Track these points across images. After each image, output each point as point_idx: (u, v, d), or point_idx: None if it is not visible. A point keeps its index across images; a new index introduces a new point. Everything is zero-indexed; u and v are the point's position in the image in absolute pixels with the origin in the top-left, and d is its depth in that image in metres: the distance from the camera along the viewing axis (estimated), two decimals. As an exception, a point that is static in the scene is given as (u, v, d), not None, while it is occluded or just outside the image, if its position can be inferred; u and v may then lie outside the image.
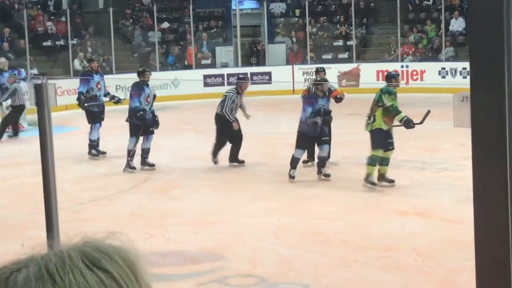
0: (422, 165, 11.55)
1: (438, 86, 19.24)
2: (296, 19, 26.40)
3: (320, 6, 26.67)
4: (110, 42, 23.00)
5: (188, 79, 22.03)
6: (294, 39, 25.42)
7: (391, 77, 10.65)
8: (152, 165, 11.92)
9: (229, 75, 23.53)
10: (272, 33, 26.06)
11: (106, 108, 13.74)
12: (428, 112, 10.11)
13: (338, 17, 26.02)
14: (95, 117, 13.19)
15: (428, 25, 24.51)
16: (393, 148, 10.06)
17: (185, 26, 25.30)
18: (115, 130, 14.43)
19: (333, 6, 26.69)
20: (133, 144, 11.84)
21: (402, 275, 6.73)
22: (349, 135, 13.50)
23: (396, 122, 10.05)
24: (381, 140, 9.91)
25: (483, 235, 1.30)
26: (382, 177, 10.08)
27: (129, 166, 11.83)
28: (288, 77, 22.81)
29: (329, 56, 24.64)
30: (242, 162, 11.96)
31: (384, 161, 10.04)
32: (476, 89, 1.26)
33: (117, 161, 12.22)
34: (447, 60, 22.73)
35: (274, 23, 26.46)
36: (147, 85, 12.13)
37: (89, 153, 13.10)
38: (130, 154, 11.84)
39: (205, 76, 23.10)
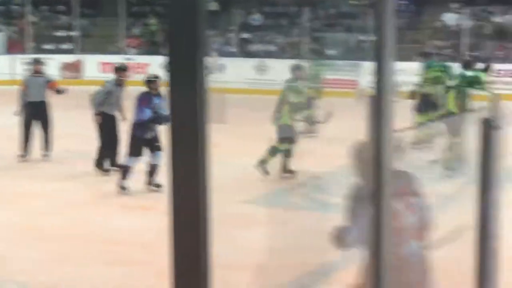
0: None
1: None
2: (17, 7, 25.38)
3: (42, -5, 25.94)
4: None
5: None
6: (14, 28, 24.43)
7: (295, 69, 11.12)
8: None
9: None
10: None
11: None
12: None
13: (60, 6, 25.49)
14: None
15: (151, 18, 24.87)
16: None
17: None
18: None
19: (56, -5, 26.10)
20: None
21: (124, 268, 6.73)
22: (73, 128, 13.28)
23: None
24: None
25: (178, 228, 1.34)
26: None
27: None
28: (7, 68, 21.99)
29: (51, 47, 24.04)
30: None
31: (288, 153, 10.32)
32: (172, 85, 1.29)
33: None
34: (170, 54, 23.21)
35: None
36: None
37: None
38: None
39: None
